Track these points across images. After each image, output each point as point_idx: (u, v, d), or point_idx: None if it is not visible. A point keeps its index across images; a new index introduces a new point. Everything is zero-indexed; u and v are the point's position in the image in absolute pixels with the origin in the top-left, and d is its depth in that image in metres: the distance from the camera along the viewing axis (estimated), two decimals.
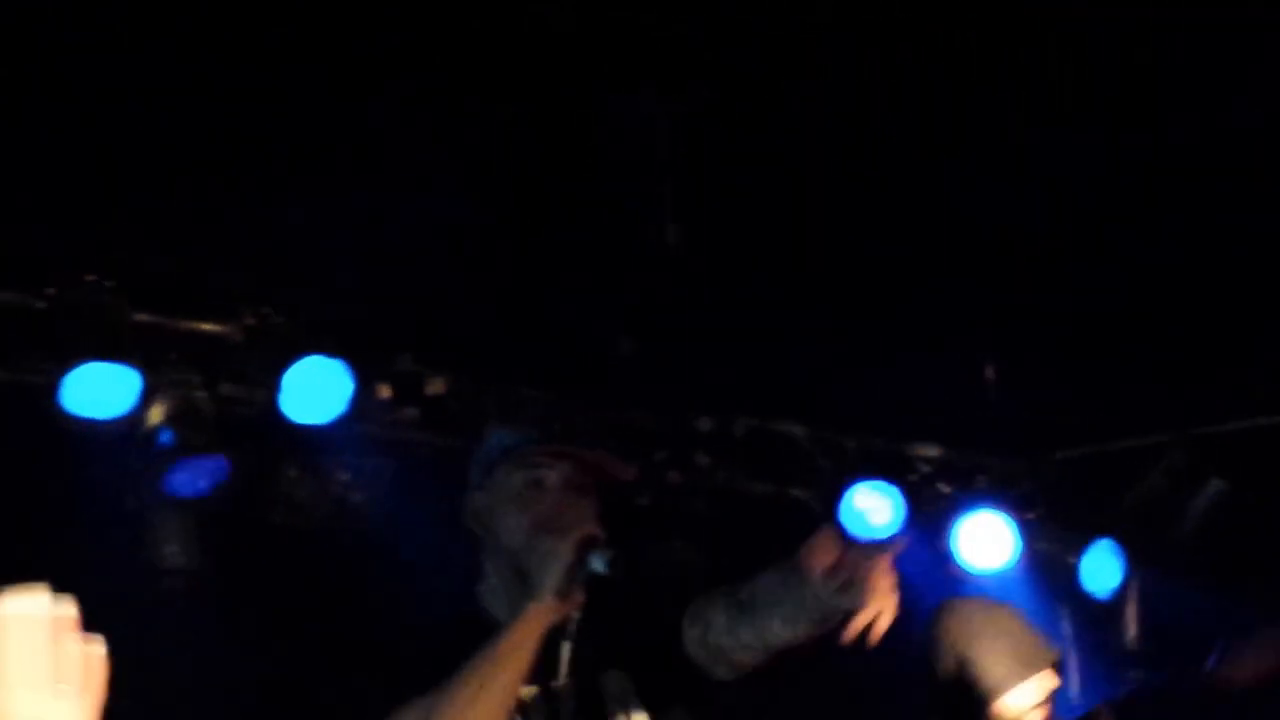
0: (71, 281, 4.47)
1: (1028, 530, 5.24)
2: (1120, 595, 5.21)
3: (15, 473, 4.51)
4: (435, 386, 4.76)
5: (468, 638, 3.29)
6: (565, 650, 3.33)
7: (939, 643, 3.88)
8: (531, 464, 3.42)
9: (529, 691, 3.30)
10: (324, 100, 4.38)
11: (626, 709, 3.41)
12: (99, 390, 4.39)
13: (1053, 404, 5.25)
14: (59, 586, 4.34)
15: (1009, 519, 5.23)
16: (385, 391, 4.72)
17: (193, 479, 4.53)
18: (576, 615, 3.31)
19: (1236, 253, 4.78)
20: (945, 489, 5.22)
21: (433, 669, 3.27)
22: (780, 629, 3.23)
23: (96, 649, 1.69)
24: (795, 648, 3.26)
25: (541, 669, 3.25)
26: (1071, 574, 5.24)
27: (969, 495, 5.28)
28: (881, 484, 5.13)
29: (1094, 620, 5.31)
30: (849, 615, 3.09)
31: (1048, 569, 5.31)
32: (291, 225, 4.47)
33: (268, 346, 4.62)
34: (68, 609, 1.70)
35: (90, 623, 4.23)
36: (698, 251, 4.76)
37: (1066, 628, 5.23)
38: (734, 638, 3.28)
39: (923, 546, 5.12)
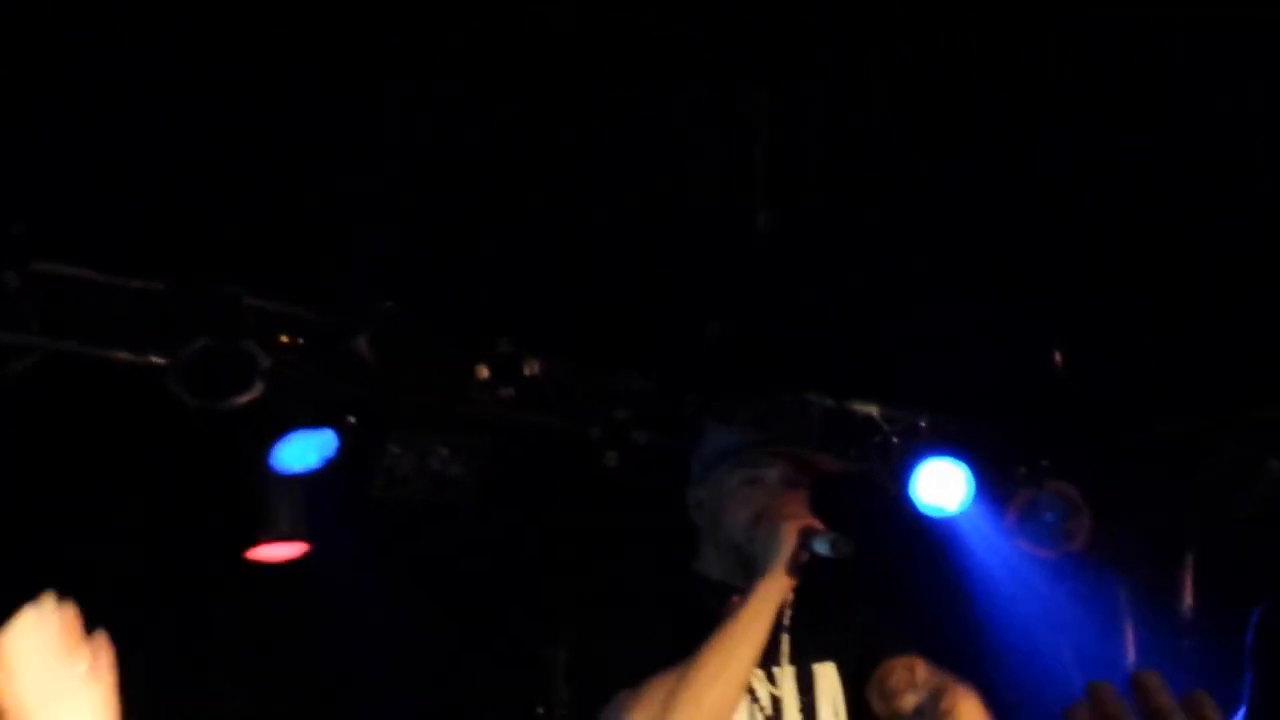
0: (190, 269, 4.67)
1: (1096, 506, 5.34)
2: (1179, 567, 5.35)
3: (137, 449, 4.84)
4: (532, 368, 4.98)
5: (686, 612, 3.60)
6: (784, 639, 3.61)
7: None
8: (752, 463, 3.69)
9: (759, 675, 3.58)
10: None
11: (834, 701, 3.68)
12: (219, 372, 4.61)
13: (1114, 388, 5.37)
14: (174, 557, 4.59)
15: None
16: (484, 372, 4.92)
17: (303, 454, 4.76)
18: (790, 610, 3.61)
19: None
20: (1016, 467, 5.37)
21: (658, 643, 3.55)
22: None
23: (100, 642, 2.01)
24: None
25: (766, 654, 3.53)
26: (1133, 549, 5.36)
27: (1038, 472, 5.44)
28: (951, 458, 5.28)
29: (1151, 590, 5.47)
30: None
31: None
32: (397, 214, 4.70)
33: (374, 335, 4.84)
34: (69, 613, 2.03)
35: (208, 588, 4.51)
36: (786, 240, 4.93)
37: (1124, 597, 5.36)
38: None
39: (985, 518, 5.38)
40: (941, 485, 5.23)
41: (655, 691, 3.49)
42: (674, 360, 5.29)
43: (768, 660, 3.60)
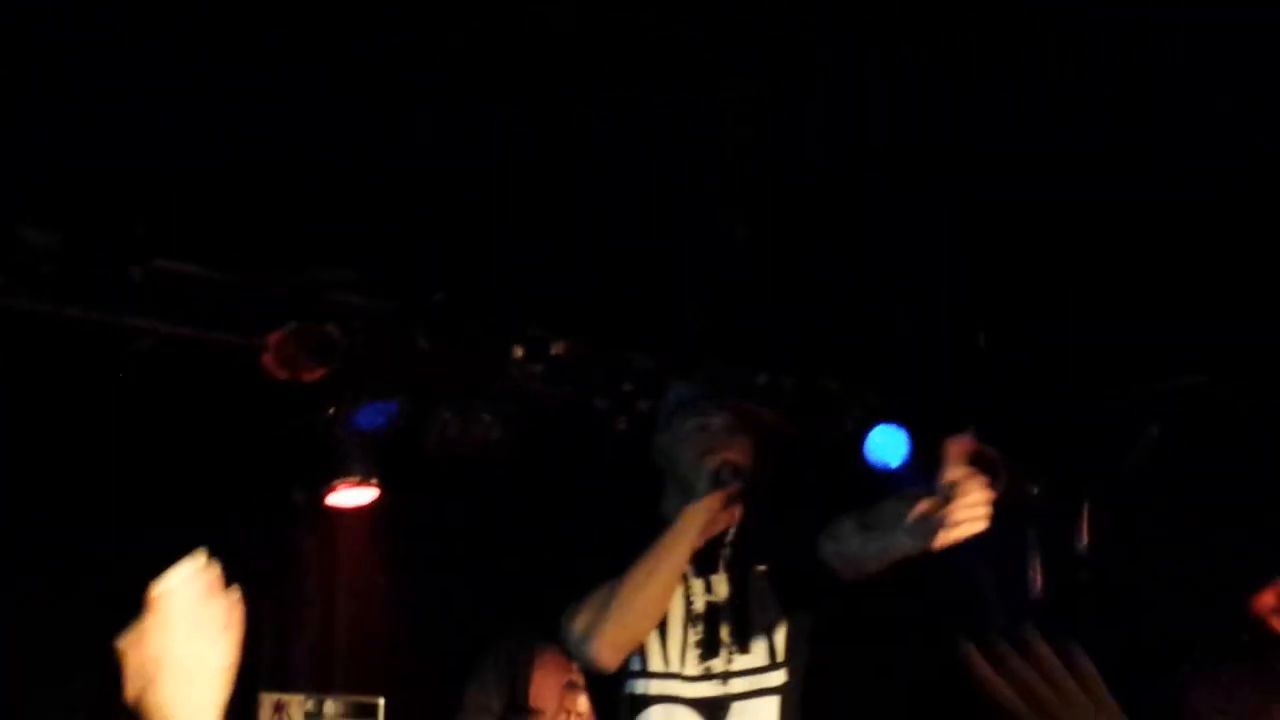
0: (282, 264, 5.34)
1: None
2: (1077, 514, 6.18)
3: (237, 414, 5.63)
4: (557, 349, 5.69)
5: (641, 534, 4.19)
6: (724, 552, 4.24)
7: None
8: (701, 412, 4.31)
9: (698, 583, 4.22)
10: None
11: (763, 599, 4.28)
12: (305, 350, 5.25)
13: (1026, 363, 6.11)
14: (260, 510, 5.56)
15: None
16: (518, 352, 5.64)
17: (373, 417, 5.62)
18: (733, 529, 4.23)
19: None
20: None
21: (611, 558, 4.17)
22: (904, 542, 3.91)
23: (234, 596, 2.21)
24: (910, 558, 3.97)
25: (705, 565, 4.19)
26: (1034, 500, 6.19)
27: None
28: (894, 427, 6.01)
29: (1054, 531, 6.31)
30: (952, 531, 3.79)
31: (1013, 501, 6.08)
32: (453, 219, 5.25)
33: (426, 316, 5.52)
34: (213, 570, 2.21)
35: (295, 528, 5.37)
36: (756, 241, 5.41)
37: (1032, 536, 6.25)
38: (864, 550, 4.06)
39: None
40: (887, 446, 5.98)
41: (595, 599, 4.16)
42: (670, 341, 5.82)
43: (705, 570, 4.28)
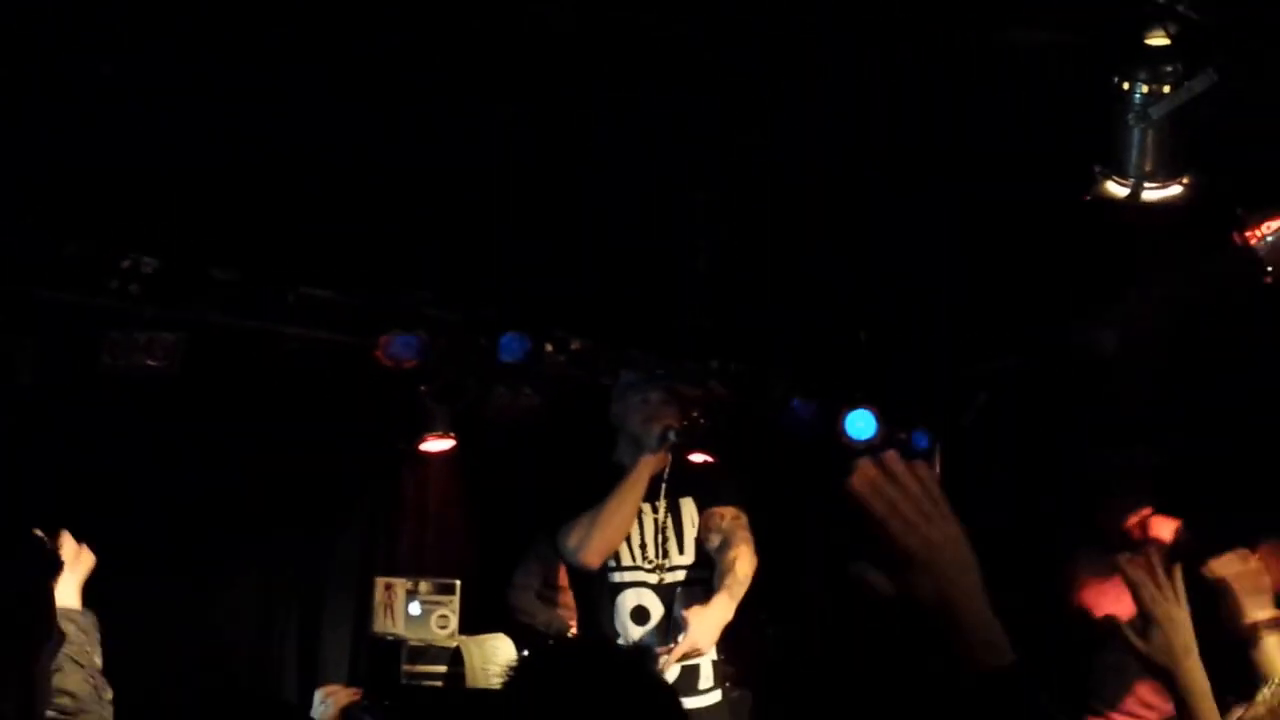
0: (391, 284, 6.28)
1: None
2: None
3: (357, 393, 6.81)
4: (576, 345, 6.63)
5: (611, 475, 5.22)
6: (661, 486, 5.32)
7: None
8: (642, 389, 5.31)
9: (646, 507, 5.27)
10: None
11: (692, 521, 5.33)
12: (405, 348, 6.33)
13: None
14: (376, 456, 7.52)
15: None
16: (549, 346, 6.59)
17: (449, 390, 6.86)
18: (666, 470, 5.26)
19: None
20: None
21: (592, 494, 5.16)
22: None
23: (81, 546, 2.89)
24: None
25: (650, 495, 5.23)
26: (904, 446, 6.98)
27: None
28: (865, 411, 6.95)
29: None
30: None
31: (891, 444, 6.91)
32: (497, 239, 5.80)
33: (484, 324, 6.58)
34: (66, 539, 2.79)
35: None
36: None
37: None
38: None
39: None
40: (860, 425, 6.99)
41: (582, 519, 5.17)
42: (659, 335, 6.42)
43: (651, 498, 5.28)
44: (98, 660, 3.54)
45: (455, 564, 7.58)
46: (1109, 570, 4.78)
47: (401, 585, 7.31)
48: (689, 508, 5.44)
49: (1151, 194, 4.56)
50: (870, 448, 6.77)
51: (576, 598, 5.58)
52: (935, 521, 1.83)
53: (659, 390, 5.37)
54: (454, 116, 4.94)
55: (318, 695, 5.68)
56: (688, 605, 5.15)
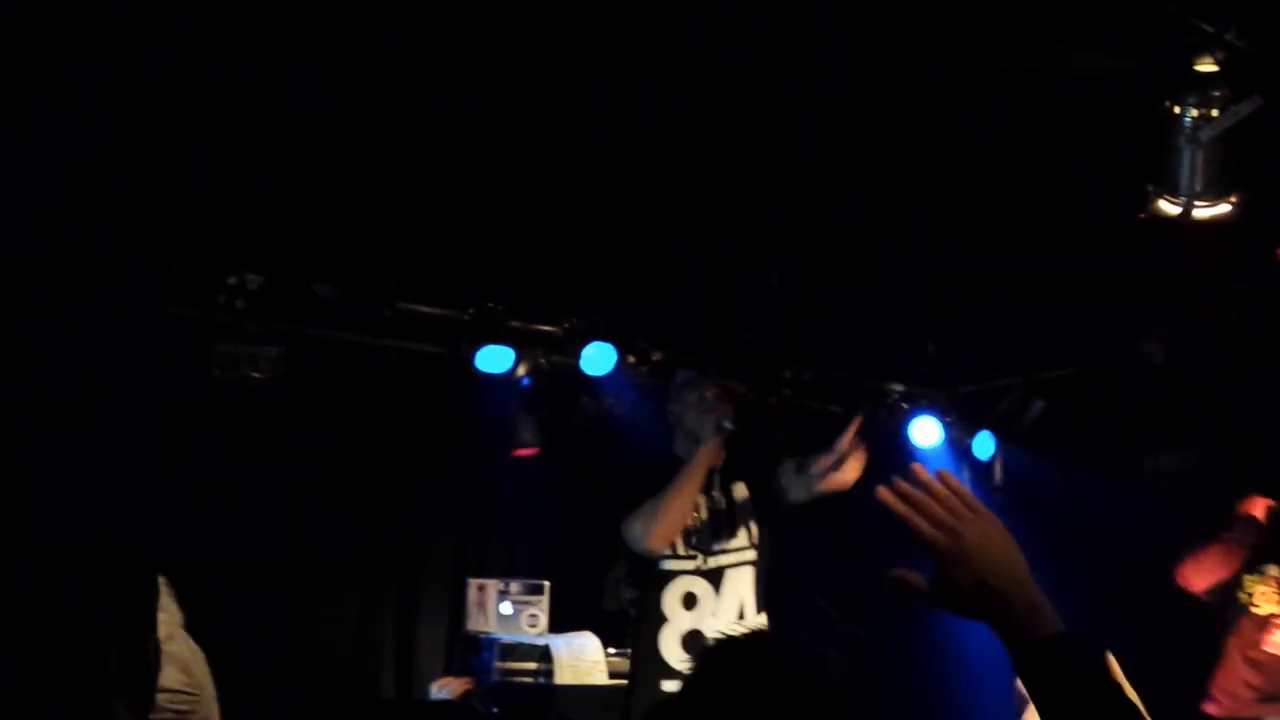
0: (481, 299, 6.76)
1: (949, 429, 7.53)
2: (992, 459, 7.55)
3: (450, 399, 7.25)
4: (656, 355, 7.10)
5: (670, 468, 5.47)
6: (716, 478, 5.57)
7: None
8: (698, 387, 5.65)
9: (702, 498, 5.52)
10: None
11: (744, 505, 5.60)
12: (494, 360, 6.90)
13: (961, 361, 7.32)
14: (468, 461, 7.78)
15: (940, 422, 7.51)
16: (631, 358, 7.08)
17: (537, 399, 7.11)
18: (719, 463, 5.50)
19: None
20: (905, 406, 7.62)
21: (655, 483, 5.43)
22: (809, 484, 5.31)
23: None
24: (829, 495, 5.23)
25: (706, 486, 5.49)
26: (967, 450, 7.57)
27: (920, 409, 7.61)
28: (930, 415, 7.36)
29: (978, 472, 7.56)
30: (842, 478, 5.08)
31: (956, 448, 7.59)
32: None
33: (576, 338, 7.01)
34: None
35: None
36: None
37: (966, 475, 7.33)
38: (793, 484, 5.42)
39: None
40: (925, 431, 7.38)
41: (647, 506, 5.43)
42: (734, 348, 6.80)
43: (707, 488, 5.55)
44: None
45: (543, 565, 7.77)
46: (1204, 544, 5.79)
47: (494, 586, 7.49)
48: (740, 491, 5.71)
49: (1202, 212, 4.79)
50: (937, 458, 7.17)
51: (634, 585, 5.74)
52: (967, 521, 2.00)
53: (712, 387, 5.69)
54: (544, 133, 5.10)
55: (433, 687, 5.95)
56: (739, 586, 5.50)
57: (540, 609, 7.45)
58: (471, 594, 7.53)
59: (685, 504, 5.45)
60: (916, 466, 2.04)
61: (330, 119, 5.02)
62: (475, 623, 7.45)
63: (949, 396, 7.77)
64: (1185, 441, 6.71)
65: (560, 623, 7.43)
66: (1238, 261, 5.67)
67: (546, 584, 7.56)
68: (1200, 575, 5.93)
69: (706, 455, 5.48)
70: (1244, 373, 6.62)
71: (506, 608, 7.43)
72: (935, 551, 1.99)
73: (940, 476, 2.03)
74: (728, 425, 5.45)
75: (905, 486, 2.02)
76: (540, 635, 7.36)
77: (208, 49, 4.25)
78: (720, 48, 4.48)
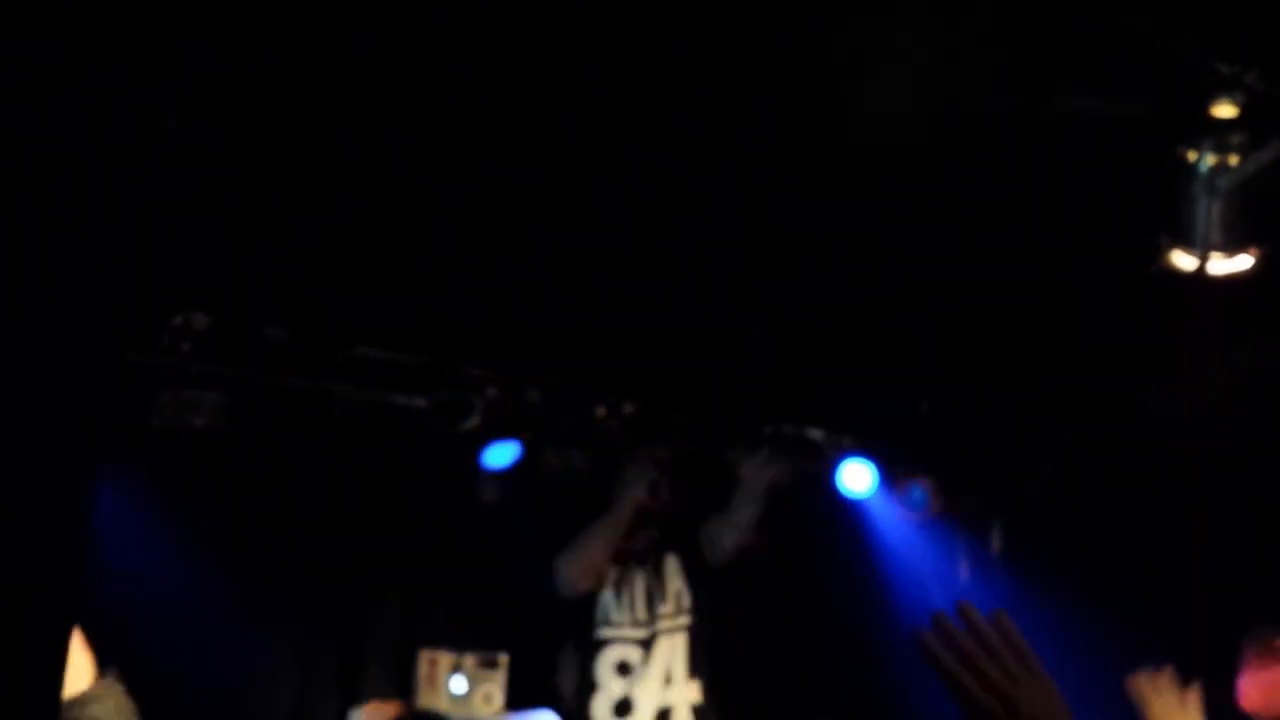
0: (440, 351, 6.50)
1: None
2: (991, 526, 7.20)
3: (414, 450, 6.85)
4: (629, 409, 6.88)
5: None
6: (649, 550, 6.26)
7: None
8: (635, 460, 6.41)
9: (637, 569, 6.11)
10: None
11: (675, 573, 6.27)
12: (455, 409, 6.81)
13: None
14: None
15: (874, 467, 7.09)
16: (601, 411, 6.91)
17: (501, 456, 6.88)
18: (654, 536, 6.29)
19: None
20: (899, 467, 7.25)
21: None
22: (732, 534, 6.06)
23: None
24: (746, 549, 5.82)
25: (641, 558, 6.08)
26: (966, 516, 7.17)
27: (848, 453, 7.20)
28: (862, 459, 7.05)
29: (975, 540, 7.28)
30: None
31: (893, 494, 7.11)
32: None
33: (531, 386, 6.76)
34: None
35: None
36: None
37: (960, 542, 7.20)
38: (720, 537, 6.19)
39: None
40: (857, 478, 7.04)
41: (572, 544, 6.16)
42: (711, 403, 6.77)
43: (641, 560, 6.32)
44: None
45: (501, 635, 7.27)
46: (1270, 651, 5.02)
47: (446, 659, 7.01)
48: (671, 563, 6.31)
49: (1218, 265, 4.60)
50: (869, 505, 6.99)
51: (567, 656, 6.12)
52: (1021, 681, 1.79)
53: (646, 457, 6.48)
54: (505, 191, 5.08)
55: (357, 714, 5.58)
56: (669, 653, 6.09)
57: (497, 685, 6.93)
58: (422, 667, 7.01)
59: (605, 540, 6.15)
60: (964, 604, 1.82)
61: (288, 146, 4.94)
62: (425, 699, 6.95)
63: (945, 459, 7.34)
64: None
65: (518, 699, 6.93)
66: (1258, 319, 5.53)
67: (504, 657, 7.01)
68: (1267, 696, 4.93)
69: (631, 500, 6.24)
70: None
71: (459, 684, 6.93)
72: (978, 712, 1.77)
73: (996, 620, 1.82)
74: (653, 475, 6.26)
75: (952, 631, 1.81)
76: (496, 716, 6.90)
77: (160, 77, 3.80)
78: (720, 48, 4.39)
